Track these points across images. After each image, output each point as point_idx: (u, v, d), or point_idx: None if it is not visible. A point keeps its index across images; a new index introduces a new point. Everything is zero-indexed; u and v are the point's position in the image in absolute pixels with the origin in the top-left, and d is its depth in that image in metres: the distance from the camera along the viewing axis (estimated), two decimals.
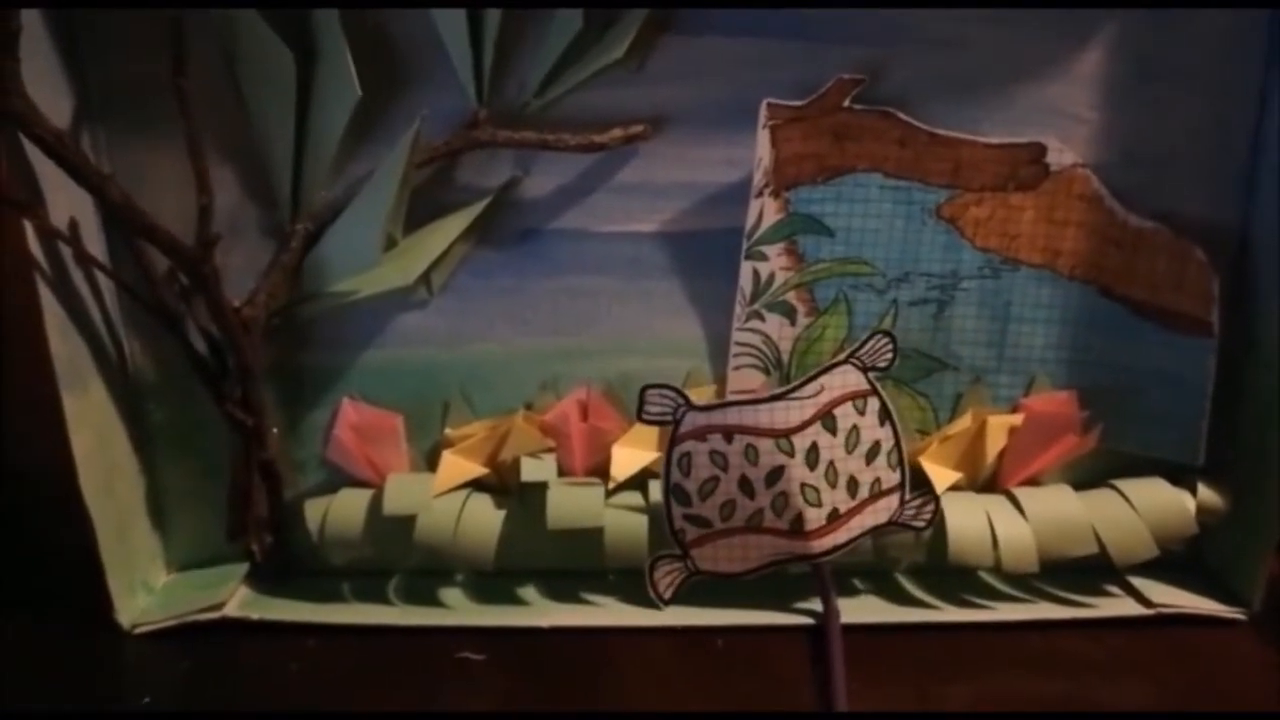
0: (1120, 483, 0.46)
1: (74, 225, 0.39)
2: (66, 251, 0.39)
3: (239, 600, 0.44)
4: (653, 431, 0.45)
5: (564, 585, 0.46)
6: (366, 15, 0.40)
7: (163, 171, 0.40)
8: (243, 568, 0.46)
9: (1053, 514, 0.45)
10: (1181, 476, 0.46)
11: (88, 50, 0.40)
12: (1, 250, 0.39)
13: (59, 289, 0.39)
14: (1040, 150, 0.44)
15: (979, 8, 0.41)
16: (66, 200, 0.39)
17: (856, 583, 0.47)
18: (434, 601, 0.45)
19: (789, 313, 0.45)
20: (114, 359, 0.42)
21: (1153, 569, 0.46)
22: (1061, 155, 0.44)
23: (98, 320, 0.41)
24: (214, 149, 0.40)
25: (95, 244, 0.41)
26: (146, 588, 0.45)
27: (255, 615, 0.43)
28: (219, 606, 0.43)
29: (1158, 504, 0.45)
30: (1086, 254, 0.45)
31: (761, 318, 0.45)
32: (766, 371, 0.46)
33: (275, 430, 0.44)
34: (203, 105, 0.37)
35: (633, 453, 0.45)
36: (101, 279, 0.41)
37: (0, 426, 0.44)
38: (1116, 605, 0.45)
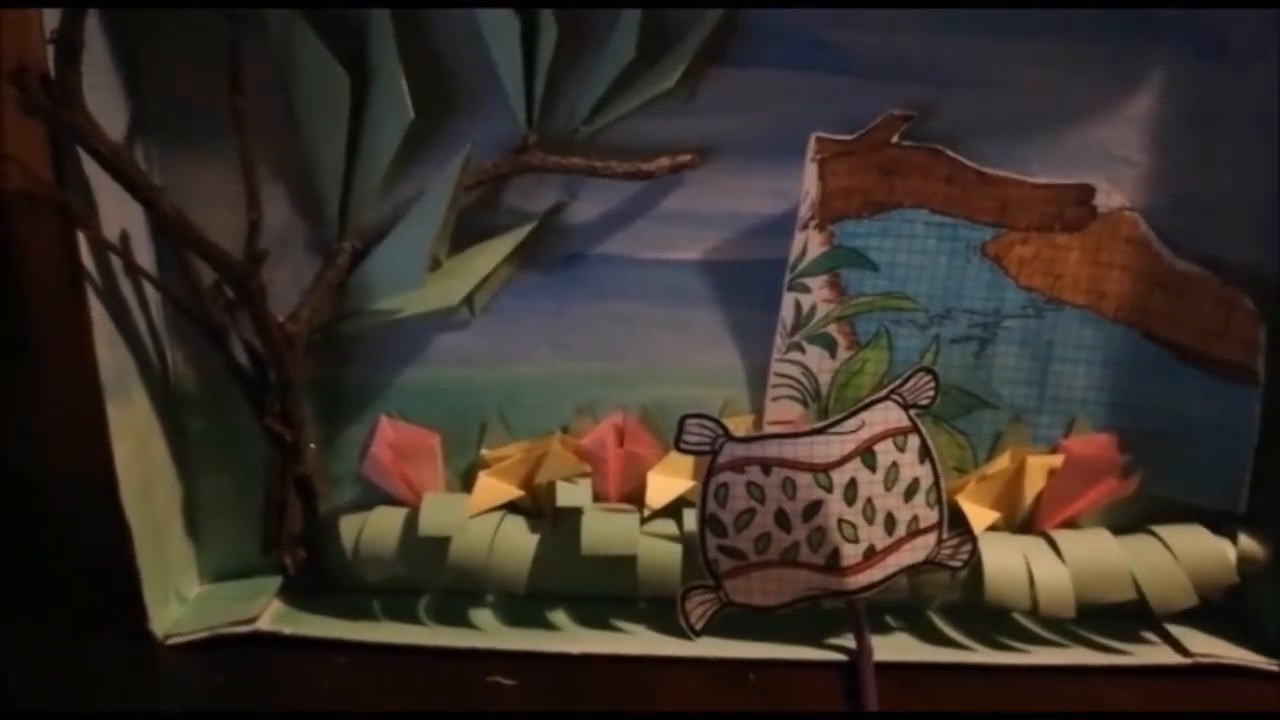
0: (1160, 529, 0.45)
1: (125, 237, 0.39)
2: (116, 262, 0.40)
3: (271, 614, 0.44)
4: (688, 460, 0.45)
5: (595, 611, 0.46)
6: (421, 38, 0.40)
7: (213, 186, 0.41)
8: (275, 581, 0.46)
9: (1091, 558, 0.44)
10: (1222, 524, 0.45)
11: (145, 66, 0.40)
12: (52, 260, 0.40)
13: (107, 299, 0.39)
14: (1088, 192, 0.44)
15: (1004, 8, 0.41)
16: (118, 212, 0.39)
17: (890, 620, 0.46)
18: (465, 622, 0.45)
19: (829, 345, 0.45)
20: (157, 369, 0.43)
21: (1191, 617, 0.45)
22: (1109, 198, 0.43)
23: (143, 331, 0.42)
24: (265, 166, 0.40)
25: (144, 255, 0.41)
26: (180, 598, 0.45)
27: (288, 630, 0.43)
28: (252, 620, 0.43)
29: (1198, 552, 0.45)
30: (1131, 297, 0.44)
31: (802, 349, 0.45)
32: (805, 403, 0.45)
33: (313, 445, 0.44)
34: (256, 123, 0.38)
35: (668, 481, 0.45)
36: (148, 290, 0.42)
37: (43, 432, 0.44)
38: (1153, 653, 0.44)
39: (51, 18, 0.34)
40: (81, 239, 0.37)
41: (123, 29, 0.39)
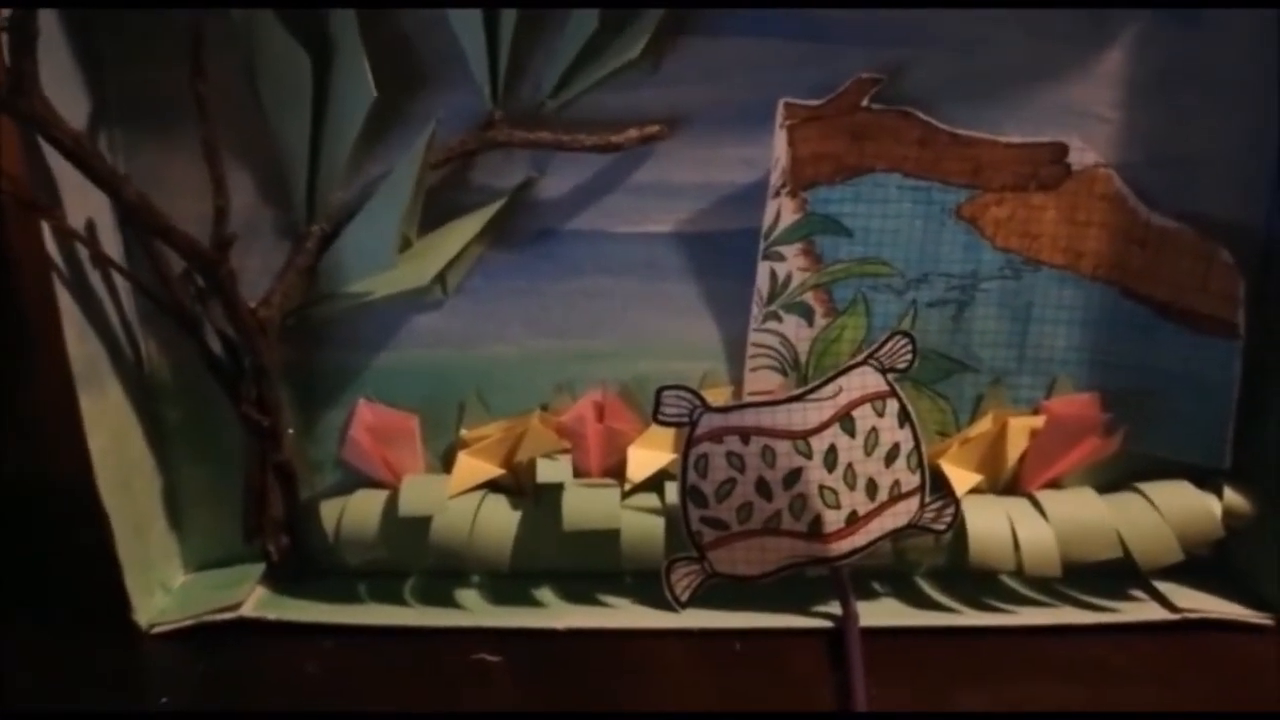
0: (1144, 485, 0.45)
1: (91, 226, 0.39)
2: (83, 253, 0.39)
3: (255, 601, 0.44)
4: (668, 433, 0.45)
5: (579, 587, 0.46)
6: (382, 17, 0.40)
7: (178, 173, 0.40)
8: (259, 568, 0.46)
9: (1075, 517, 0.44)
10: (1207, 479, 0.45)
11: (105, 53, 0.40)
12: (19, 251, 0.39)
13: (76, 290, 0.39)
14: (1062, 150, 0.43)
15: (992, 8, 0.41)
16: (83, 202, 0.39)
17: (875, 586, 0.46)
18: (450, 603, 0.45)
19: (807, 314, 0.45)
20: (130, 360, 0.43)
21: (1178, 573, 0.45)
22: (1084, 155, 0.43)
23: (114, 321, 0.42)
24: (230, 151, 0.40)
25: (112, 245, 0.41)
26: (163, 588, 0.45)
27: (272, 615, 0.43)
28: (236, 607, 0.43)
29: (1183, 507, 0.44)
30: (1109, 254, 0.44)
31: (779, 319, 0.45)
32: (784, 373, 0.45)
33: (291, 431, 0.44)
34: (220, 108, 0.37)
35: (649, 454, 0.44)
36: (118, 280, 0.41)
37: (18, 427, 0.44)
38: (1141, 610, 0.44)
39: (5, 6, 0.33)
40: (46, 229, 0.37)
41: (81, 15, 0.38)
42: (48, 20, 0.35)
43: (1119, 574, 0.45)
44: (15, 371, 0.43)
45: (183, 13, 0.36)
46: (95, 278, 0.40)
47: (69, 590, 0.45)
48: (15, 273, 0.41)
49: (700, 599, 0.44)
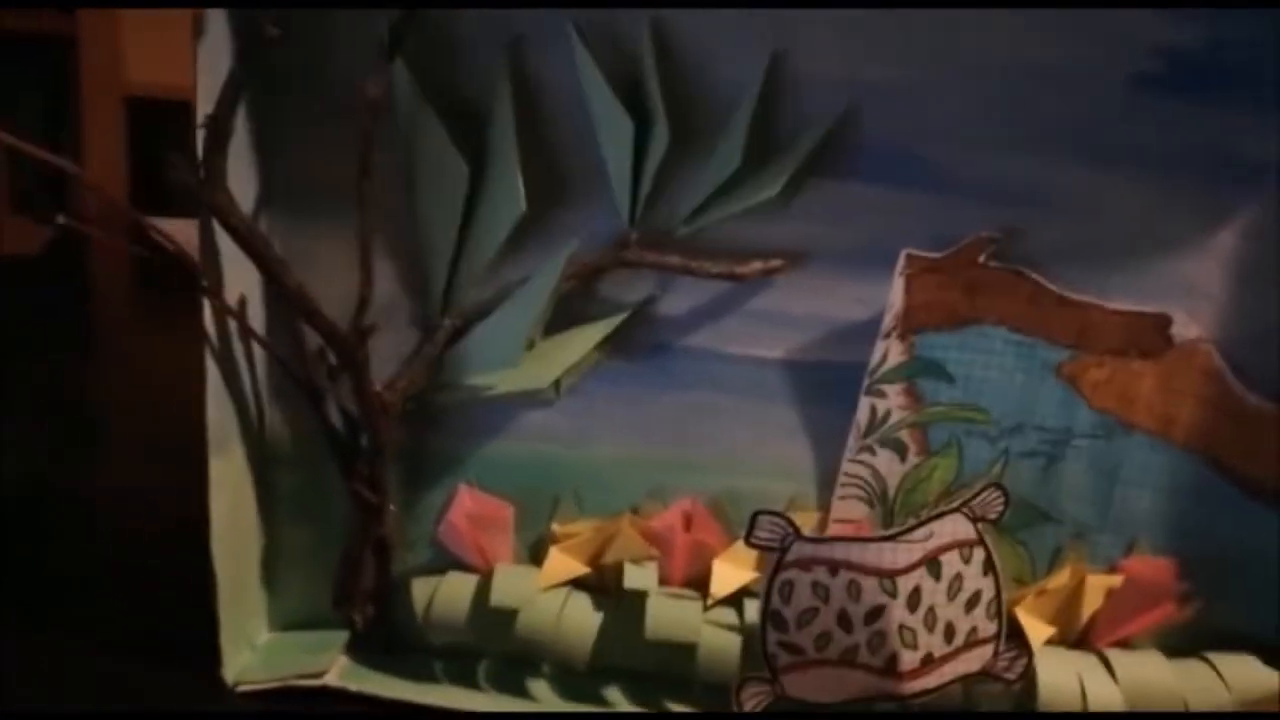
0: (1213, 656, 0.46)
1: (243, 302, 0.41)
2: (230, 326, 0.41)
3: (339, 670, 0.45)
4: (752, 551, 0.46)
5: (648, 691, 0.46)
6: (538, 133, 0.42)
7: (325, 257, 0.42)
8: (342, 635, 0.47)
9: (1144, 680, 0.45)
10: (1273, 658, 0.45)
11: (272, 145, 0.42)
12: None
13: (221, 359, 0.41)
14: (1166, 321, 0.44)
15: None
16: (235, 275, 0.41)
17: None
18: (521, 691, 0.46)
19: (900, 449, 0.46)
20: (255, 426, 0.44)
21: None
22: (1186, 328, 0.44)
23: (248, 389, 0.44)
24: (377, 241, 0.42)
25: (256, 318, 0.43)
26: (250, 644, 0.47)
27: (354, 687, 0.44)
28: (320, 674, 0.45)
29: (1248, 682, 0.45)
30: (1202, 426, 0.45)
31: (873, 451, 0.46)
32: (871, 504, 0.46)
33: (393, 508, 0.45)
34: (375, 204, 0.40)
35: (734, 570, 0.46)
36: (256, 351, 0.43)
37: (148, 481, 0.46)
38: None
39: (205, 101, 0.36)
40: (206, 305, 0.39)
41: (258, 105, 0.41)
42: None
43: None
44: (156, 434, 0.45)
45: (351, 107, 0.38)
46: (238, 349, 0.42)
47: (162, 638, 0.46)
48: (114, 293, 0.43)
49: None
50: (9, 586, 0.50)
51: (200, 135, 0.35)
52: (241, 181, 0.40)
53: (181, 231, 0.39)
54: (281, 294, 0.40)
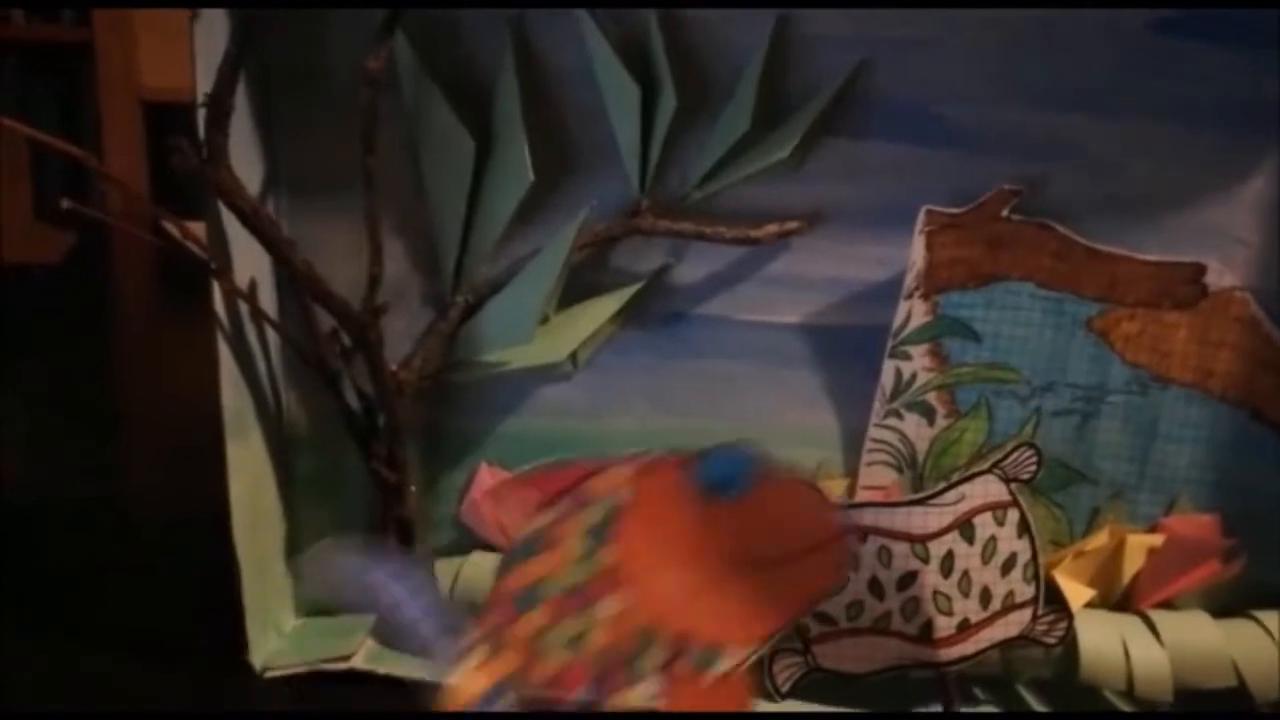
0: (1261, 614, 0.44)
1: (253, 285, 0.41)
2: (242, 308, 0.41)
3: (365, 653, 0.45)
4: None
5: None
6: (544, 104, 0.41)
7: (337, 239, 0.42)
8: (368, 619, 0.47)
9: (1190, 641, 0.43)
10: None
11: (280, 127, 0.42)
12: (144, 275, 0.41)
13: (234, 344, 0.41)
14: (1199, 270, 0.43)
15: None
16: (246, 260, 0.41)
17: (978, 692, 0.45)
18: None
19: (928, 413, 0.45)
20: (272, 410, 0.44)
21: None
22: (1221, 277, 0.43)
23: (263, 374, 0.43)
24: (387, 220, 0.41)
25: (268, 301, 0.43)
26: (278, 630, 0.46)
27: (381, 670, 0.44)
28: (347, 658, 0.44)
29: None
30: (1240, 376, 0.44)
31: (900, 416, 0.45)
32: (900, 470, 0.45)
33: (414, 488, 0.45)
34: (382, 181, 0.39)
35: None
36: (269, 334, 0.43)
37: (166, 470, 0.46)
38: None
39: (205, 81, 0.35)
40: (215, 288, 0.39)
41: (262, 90, 0.41)
42: (237, 96, 0.37)
43: (1227, 701, 0.44)
44: (170, 416, 0.45)
45: (356, 86, 0.38)
46: (251, 333, 0.42)
47: (188, 625, 0.46)
48: (138, 295, 0.43)
49: (800, 691, 0.44)
50: (39, 586, 0.50)
51: (200, 114, 0.35)
52: (247, 166, 0.40)
53: (199, 230, 0.38)
54: (293, 277, 0.40)
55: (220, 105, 0.35)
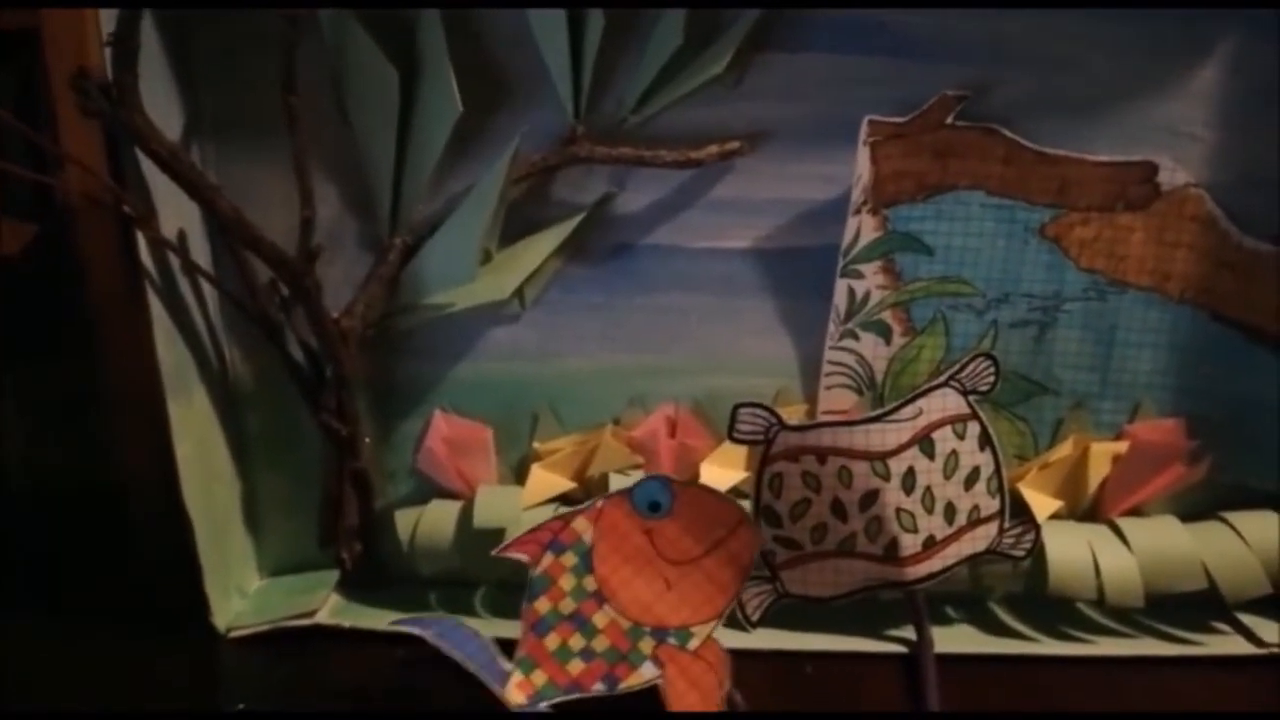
0: (1231, 515, 0.44)
1: (182, 236, 0.40)
2: (173, 263, 0.40)
3: (330, 608, 0.45)
4: (741, 450, 0.44)
5: None
6: (469, 33, 0.40)
7: (266, 185, 0.41)
8: (333, 575, 0.46)
9: (1159, 546, 0.43)
10: None
11: (199, 69, 0.41)
12: (112, 259, 0.40)
13: (166, 298, 0.40)
14: (1151, 169, 0.42)
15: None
16: (175, 212, 0.40)
17: (950, 611, 0.45)
18: (519, 614, 0.45)
19: (884, 332, 0.44)
20: (215, 368, 0.43)
21: (1264, 606, 0.44)
22: (1174, 175, 0.42)
23: (201, 329, 0.42)
24: (317, 164, 0.40)
25: (201, 255, 0.42)
26: (240, 592, 0.46)
27: (347, 623, 0.44)
28: (311, 614, 0.44)
29: (1270, 538, 0.43)
30: (1198, 277, 0.43)
31: (856, 337, 0.44)
32: (859, 392, 0.45)
33: (368, 439, 0.44)
34: (309, 122, 0.38)
35: (721, 471, 0.44)
36: (206, 289, 0.42)
37: (107, 432, 0.45)
38: (1226, 643, 0.43)
39: (108, 21, 0.34)
40: (140, 239, 0.38)
41: (178, 32, 0.39)
42: (146, 36, 0.36)
43: (1203, 606, 0.44)
44: (106, 377, 0.44)
45: (275, 24, 0.37)
46: (185, 286, 0.41)
47: (148, 592, 0.46)
48: (103, 276, 0.42)
49: (771, 619, 0.43)
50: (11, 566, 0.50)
51: (107, 56, 0.34)
52: (166, 111, 0.39)
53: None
54: (221, 224, 0.39)
55: (125, 44, 0.33)
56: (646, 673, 0.38)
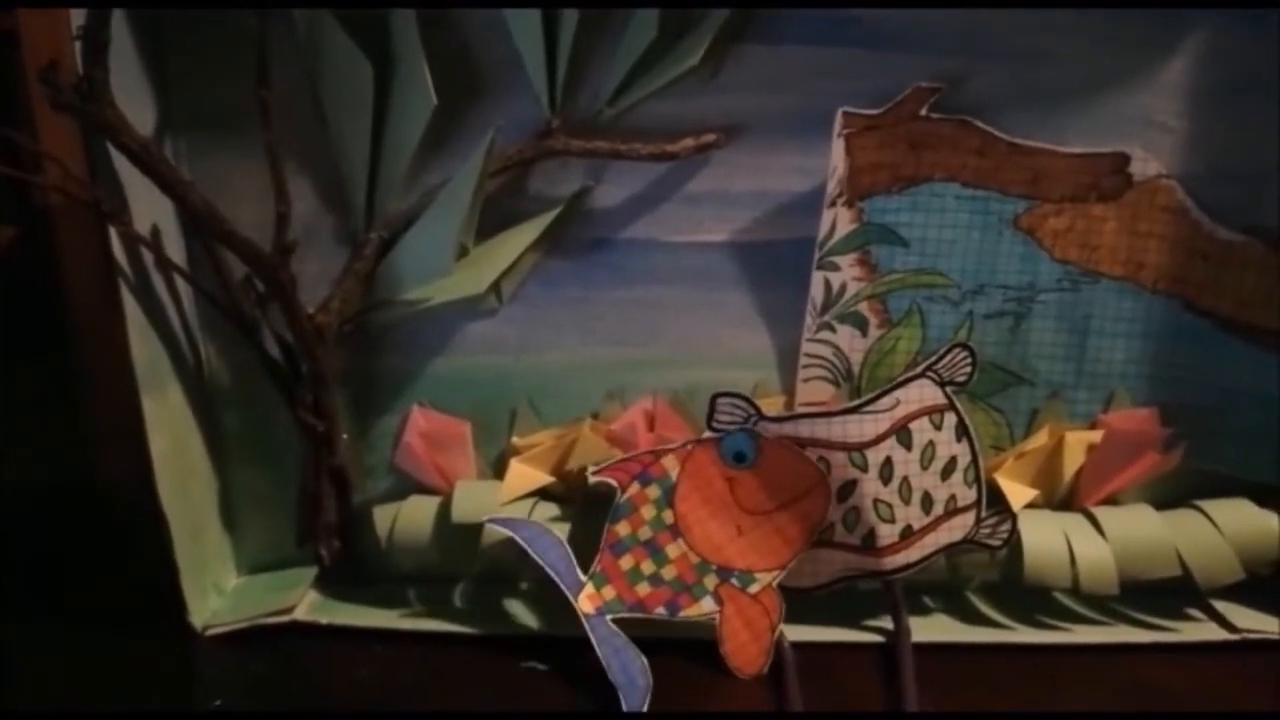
0: (1204, 503, 0.44)
1: (156, 232, 0.40)
2: (147, 258, 0.40)
3: (308, 605, 0.44)
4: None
5: None
6: (444, 26, 0.40)
7: (241, 180, 0.41)
8: (311, 572, 0.46)
9: (1133, 534, 0.43)
10: (1268, 497, 0.44)
11: (171, 63, 0.40)
12: (85, 255, 0.40)
13: (140, 294, 0.40)
14: (1123, 160, 0.43)
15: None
16: (148, 208, 0.40)
17: (927, 600, 0.45)
18: (498, 610, 0.45)
19: (861, 324, 0.44)
20: (191, 364, 0.43)
21: (1238, 593, 0.44)
22: (1146, 165, 0.43)
23: (176, 326, 0.42)
24: (291, 158, 0.40)
25: (175, 251, 0.41)
26: (218, 590, 0.46)
27: (324, 620, 0.43)
28: (289, 610, 0.44)
29: (1243, 525, 0.44)
30: (1171, 267, 0.43)
31: (832, 329, 0.44)
32: (836, 383, 0.45)
33: (345, 436, 0.44)
34: (283, 116, 0.38)
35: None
36: (180, 285, 0.42)
37: (79, 429, 0.45)
38: (1199, 630, 0.44)
39: (79, 15, 0.34)
40: (114, 235, 0.37)
41: (150, 26, 0.39)
42: (118, 31, 0.36)
43: (1177, 593, 0.44)
44: (80, 374, 0.44)
45: (248, 19, 0.36)
46: (159, 282, 0.41)
47: (125, 591, 0.45)
48: (81, 275, 0.42)
49: None
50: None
51: (78, 49, 0.34)
52: (139, 105, 0.38)
53: None
54: (194, 219, 0.38)
55: (95, 38, 0.33)
56: (706, 606, 0.41)
